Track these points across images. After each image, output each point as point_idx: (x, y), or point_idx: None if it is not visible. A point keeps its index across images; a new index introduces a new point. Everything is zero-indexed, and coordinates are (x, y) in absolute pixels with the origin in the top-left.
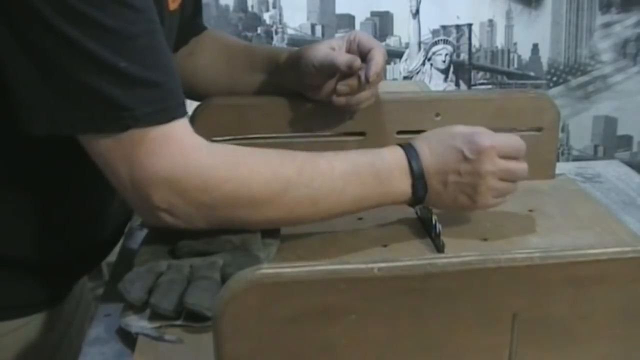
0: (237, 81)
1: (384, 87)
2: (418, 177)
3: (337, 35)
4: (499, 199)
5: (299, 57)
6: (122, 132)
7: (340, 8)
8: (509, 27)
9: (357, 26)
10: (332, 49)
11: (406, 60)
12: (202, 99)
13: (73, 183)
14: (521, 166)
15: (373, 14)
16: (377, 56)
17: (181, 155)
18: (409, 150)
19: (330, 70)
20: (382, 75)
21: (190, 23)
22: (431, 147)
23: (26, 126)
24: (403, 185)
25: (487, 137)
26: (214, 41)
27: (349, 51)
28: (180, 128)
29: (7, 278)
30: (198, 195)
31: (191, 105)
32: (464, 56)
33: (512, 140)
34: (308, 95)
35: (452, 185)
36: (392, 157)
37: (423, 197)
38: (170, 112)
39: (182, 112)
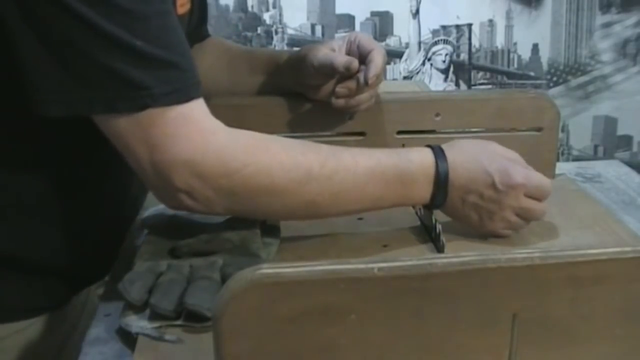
0: (237, 83)
1: (384, 87)
2: (441, 187)
3: (337, 35)
4: (507, 232)
5: (300, 57)
6: (140, 112)
7: (340, 8)
8: (509, 27)
9: (357, 26)
10: (332, 50)
11: (406, 60)
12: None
13: (91, 181)
14: (541, 207)
15: (373, 14)
16: (377, 58)
17: (201, 136)
18: (440, 158)
19: (329, 71)
20: (381, 77)
21: (195, 30)
22: (463, 161)
23: (41, 109)
24: (424, 191)
25: (520, 173)
26: (215, 46)
27: (349, 52)
28: (199, 109)
29: (15, 280)
30: (217, 178)
31: None
32: (464, 56)
33: (543, 182)
34: (308, 96)
35: (471, 204)
36: (420, 162)
37: (439, 206)
38: (188, 92)
39: (199, 92)
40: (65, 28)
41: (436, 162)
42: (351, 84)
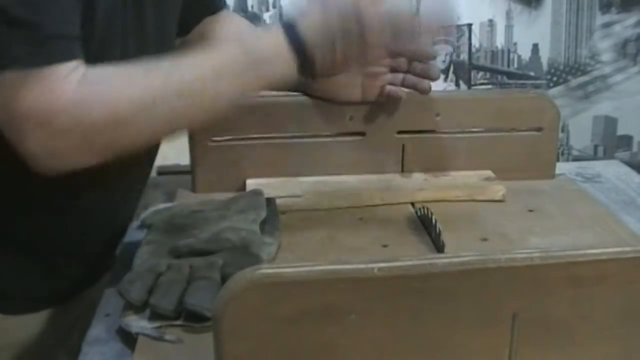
0: None
1: None
2: (299, 44)
3: None
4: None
5: None
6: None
7: None
8: (509, 27)
9: None
10: None
11: None
12: None
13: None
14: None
15: None
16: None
17: (50, 95)
18: (287, 26)
19: None
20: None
21: (204, 1)
22: (310, 13)
23: None
24: (284, 63)
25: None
26: (226, 27)
27: None
28: (60, 71)
29: (24, 269)
30: (70, 133)
31: None
32: (464, 56)
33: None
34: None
35: (340, 37)
36: (267, 38)
37: (313, 63)
38: (50, 56)
39: (65, 57)
40: None
41: (285, 31)
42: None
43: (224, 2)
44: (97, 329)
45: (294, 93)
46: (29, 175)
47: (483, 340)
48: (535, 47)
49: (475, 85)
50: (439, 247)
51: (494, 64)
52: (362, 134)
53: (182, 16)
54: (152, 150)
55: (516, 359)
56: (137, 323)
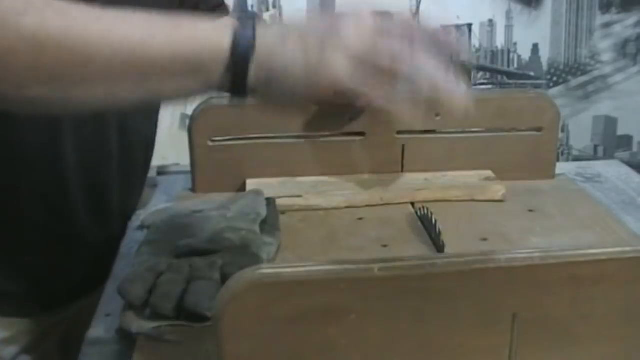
0: None
1: None
2: (243, 35)
3: None
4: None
5: None
6: None
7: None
8: (509, 27)
9: None
10: None
11: None
12: None
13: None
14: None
15: None
16: None
17: None
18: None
19: None
20: None
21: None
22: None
23: None
24: (217, 32)
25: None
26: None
27: None
28: None
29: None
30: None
31: (191, 105)
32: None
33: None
34: None
35: (297, 38)
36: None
37: (247, 49)
38: None
39: None
40: None
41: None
42: None
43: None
44: (97, 329)
45: None
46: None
47: (483, 340)
48: (535, 47)
49: (475, 85)
50: (439, 247)
51: (494, 64)
52: (362, 134)
53: None
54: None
55: (516, 359)
56: (137, 323)
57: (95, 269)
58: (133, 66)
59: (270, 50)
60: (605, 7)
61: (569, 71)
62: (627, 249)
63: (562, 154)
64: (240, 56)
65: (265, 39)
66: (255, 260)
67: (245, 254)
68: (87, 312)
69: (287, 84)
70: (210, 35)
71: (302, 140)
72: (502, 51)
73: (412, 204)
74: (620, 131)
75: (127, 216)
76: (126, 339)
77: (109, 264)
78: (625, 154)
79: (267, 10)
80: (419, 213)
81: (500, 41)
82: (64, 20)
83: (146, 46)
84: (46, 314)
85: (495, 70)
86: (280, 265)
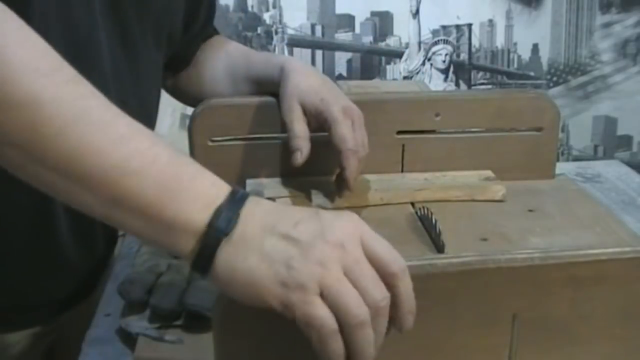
0: (235, 92)
1: (384, 87)
2: (230, 208)
3: (337, 35)
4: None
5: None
6: None
7: (340, 8)
8: (509, 27)
9: (357, 26)
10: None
11: (406, 60)
12: None
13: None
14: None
15: (373, 13)
16: (350, 160)
17: None
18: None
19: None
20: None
21: (202, 30)
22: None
23: None
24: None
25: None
26: (216, 49)
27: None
28: None
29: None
30: None
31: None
32: (464, 56)
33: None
34: None
35: (273, 244)
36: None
37: (223, 230)
38: None
39: None
40: None
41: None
42: None
43: (214, 28)
44: (97, 329)
45: None
46: None
47: (483, 340)
48: (535, 47)
49: (475, 85)
50: (439, 247)
51: (494, 64)
52: None
53: (177, 53)
54: None
55: (516, 359)
56: (137, 323)
57: (81, 286)
58: (110, 188)
59: (236, 249)
60: (605, 7)
61: (569, 71)
62: (627, 249)
63: (562, 154)
64: (211, 240)
65: (244, 230)
66: None
67: None
68: (75, 323)
69: (246, 284)
70: (196, 202)
71: None
72: (502, 51)
73: (412, 204)
74: (620, 131)
75: (113, 235)
76: (126, 339)
77: (94, 282)
78: (625, 154)
79: (267, 10)
80: (419, 213)
81: (500, 41)
82: (78, 117)
83: (133, 181)
84: (31, 327)
85: (495, 70)
86: None
